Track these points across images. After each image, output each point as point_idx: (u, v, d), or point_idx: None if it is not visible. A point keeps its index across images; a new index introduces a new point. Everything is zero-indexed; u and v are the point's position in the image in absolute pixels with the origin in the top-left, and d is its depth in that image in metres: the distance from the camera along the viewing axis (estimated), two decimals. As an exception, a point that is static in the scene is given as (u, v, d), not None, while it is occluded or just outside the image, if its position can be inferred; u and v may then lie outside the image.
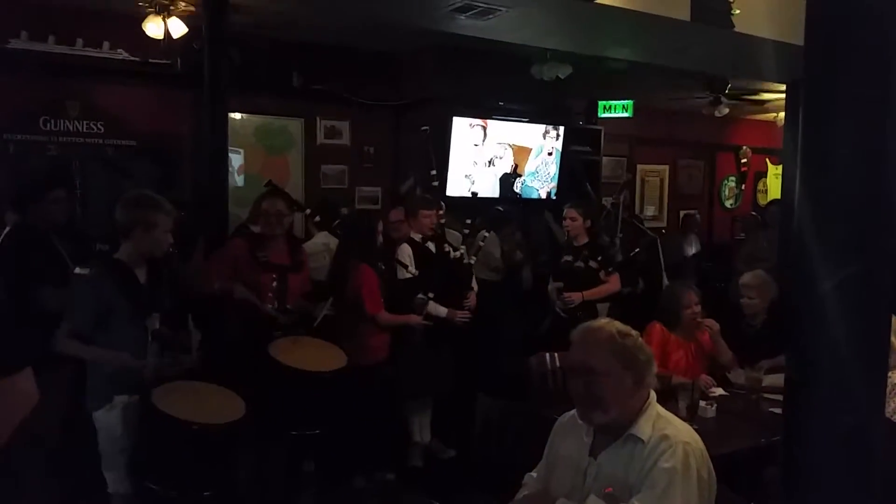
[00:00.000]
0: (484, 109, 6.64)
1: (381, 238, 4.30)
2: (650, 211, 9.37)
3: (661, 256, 6.05)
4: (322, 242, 4.91)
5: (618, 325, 2.10)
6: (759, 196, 10.47)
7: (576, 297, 4.79)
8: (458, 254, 4.64)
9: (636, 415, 2.02)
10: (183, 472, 2.75)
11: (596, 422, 2.06)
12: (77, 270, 2.95)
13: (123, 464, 2.87)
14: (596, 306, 4.94)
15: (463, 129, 6.44)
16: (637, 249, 5.65)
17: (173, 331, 3.11)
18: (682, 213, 9.35)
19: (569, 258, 4.94)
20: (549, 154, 7.05)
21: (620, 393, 2.00)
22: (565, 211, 5.02)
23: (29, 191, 3.75)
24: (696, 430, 2.14)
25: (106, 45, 5.35)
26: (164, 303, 3.06)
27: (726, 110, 8.10)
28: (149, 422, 2.76)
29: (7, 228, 3.68)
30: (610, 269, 4.92)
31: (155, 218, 2.96)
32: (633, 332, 2.10)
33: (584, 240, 4.96)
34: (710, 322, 3.95)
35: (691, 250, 7.62)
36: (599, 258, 4.90)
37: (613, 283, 4.94)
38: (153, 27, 5.05)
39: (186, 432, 2.71)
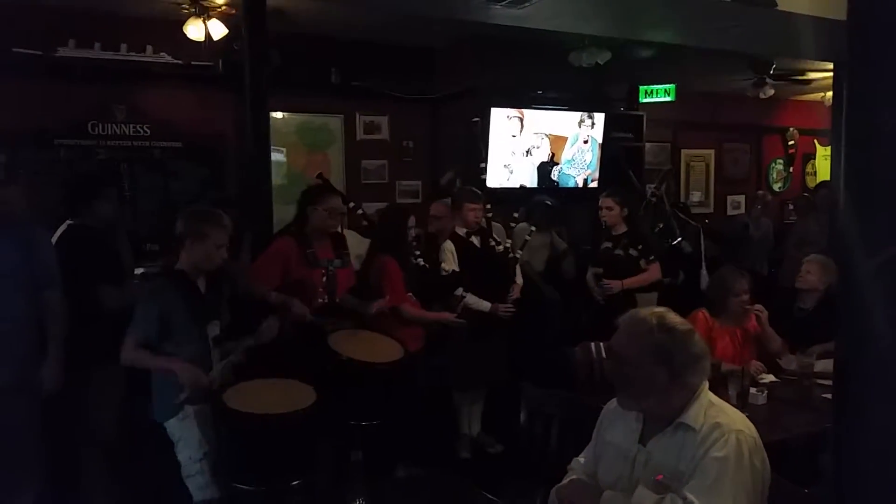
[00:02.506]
0: (522, 99, 6.61)
1: (412, 232, 4.30)
2: (696, 197, 9.20)
3: (702, 247, 5.93)
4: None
5: (664, 317, 2.03)
6: (808, 179, 10.20)
7: (615, 284, 4.73)
8: (501, 247, 4.64)
9: (686, 403, 1.99)
10: (267, 467, 2.74)
11: (628, 407, 2.06)
12: (139, 271, 3.02)
13: (207, 469, 2.89)
14: (635, 296, 4.87)
15: (501, 121, 6.43)
16: (679, 239, 5.56)
17: (234, 337, 3.15)
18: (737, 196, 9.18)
19: (608, 245, 4.88)
20: (585, 142, 7.01)
21: (652, 386, 1.97)
22: (601, 200, 4.96)
23: (80, 192, 3.84)
24: (747, 417, 2.10)
25: (149, 49, 5.47)
26: (224, 310, 3.12)
27: (771, 91, 7.92)
28: (225, 424, 2.76)
29: (62, 229, 3.78)
30: (651, 258, 4.86)
31: (206, 229, 2.99)
32: (680, 328, 2.01)
33: (623, 228, 4.90)
34: (759, 308, 3.87)
35: (758, 232, 7.41)
36: (640, 247, 4.84)
37: (654, 272, 4.87)
38: (194, 30, 5.15)
39: (264, 426, 2.71)
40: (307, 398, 2.84)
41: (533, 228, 5.15)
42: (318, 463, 2.99)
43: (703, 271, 5.74)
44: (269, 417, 2.71)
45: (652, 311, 2.09)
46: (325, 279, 3.75)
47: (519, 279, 4.78)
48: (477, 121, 5.10)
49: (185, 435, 2.91)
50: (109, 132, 5.55)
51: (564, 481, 2.21)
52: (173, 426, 2.94)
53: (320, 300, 3.71)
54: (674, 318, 2.05)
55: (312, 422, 2.81)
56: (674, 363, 1.97)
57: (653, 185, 6.54)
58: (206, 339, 2.99)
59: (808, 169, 10.28)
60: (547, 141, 6.79)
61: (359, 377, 3.32)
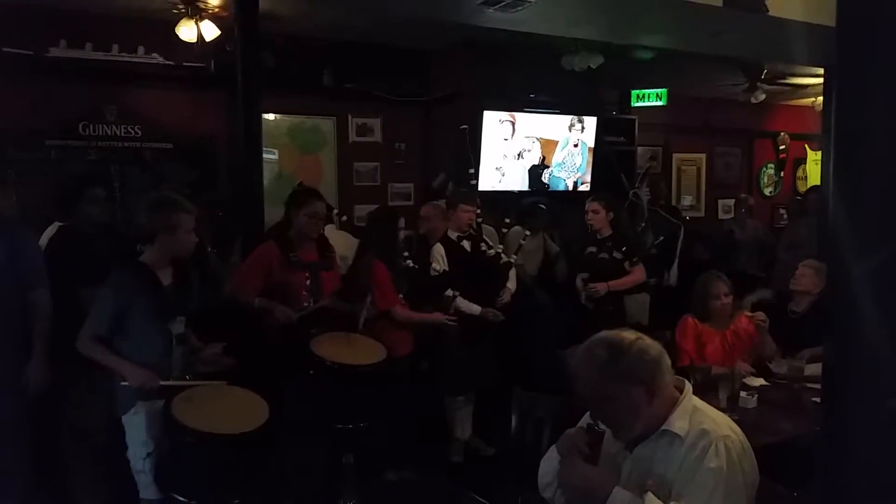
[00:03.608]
0: (515, 103, 6.61)
1: (402, 234, 4.29)
2: (687, 200, 9.23)
3: (678, 246, 5.96)
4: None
5: (606, 341, 1.97)
6: (799, 183, 10.25)
7: (601, 287, 4.77)
8: (492, 251, 4.64)
9: (669, 409, 1.97)
10: (208, 482, 2.67)
11: (626, 439, 2.02)
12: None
13: (150, 470, 2.84)
14: (623, 298, 4.90)
15: (493, 124, 6.44)
16: (661, 238, 5.58)
17: (201, 334, 3.09)
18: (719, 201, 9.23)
19: (593, 249, 4.91)
20: (575, 146, 7.06)
21: (636, 408, 1.94)
22: (587, 204, 4.99)
23: (69, 194, 3.82)
24: (735, 420, 2.10)
25: (141, 49, 5.45)
26: (189, 306, 3.01)
27: (763, 96, 7.97)
28: (171, 431, 2.70)
29: (51, 230, 3.76)
30: (635, 260, 4.90)
31: (176, 219, 2.92)
32: (626, 341, 1.96)
33: (609, 232, 4.93)
34: (759, 315, 3.87)
35: (736, 232, 7.45)
36: (624, 249, 4.88)
37: (638, 274, 4.93)
38: (186, 31, 5.13)
39: (206, 442, 2.64)
40: (259, 416, 2.73)
41: (527, 232, 5.16)
42: (269, 478, 2.98)
43: (674, 268, 5.78)
44: (211, 436, 2.61)
45: (590, 345, 2.01)
46: (308, 282, 3.74)
47: (511, 284, 4.78)
48: (465, 128, 5.12)
49: (133, 432, 2.87)
50: (100, 133, 5.52)
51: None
52: (125, 421, 2.90)
53: (304, 303, 3.69)
54: (614, 336, 2.00)
55: (260, 441, 2.72)
56: (644, 376, 1.94)
57: (637, 183, 6.55)
58: (167, 336, 2.89)
59: (799, 173, 10.33)
60: (538, 144, 6.81)
61: (342, 380, 3.32)
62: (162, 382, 2.79)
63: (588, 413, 2.17)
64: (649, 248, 5.63)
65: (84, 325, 2.85)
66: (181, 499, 2.65)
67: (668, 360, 2.01)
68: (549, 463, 2.17)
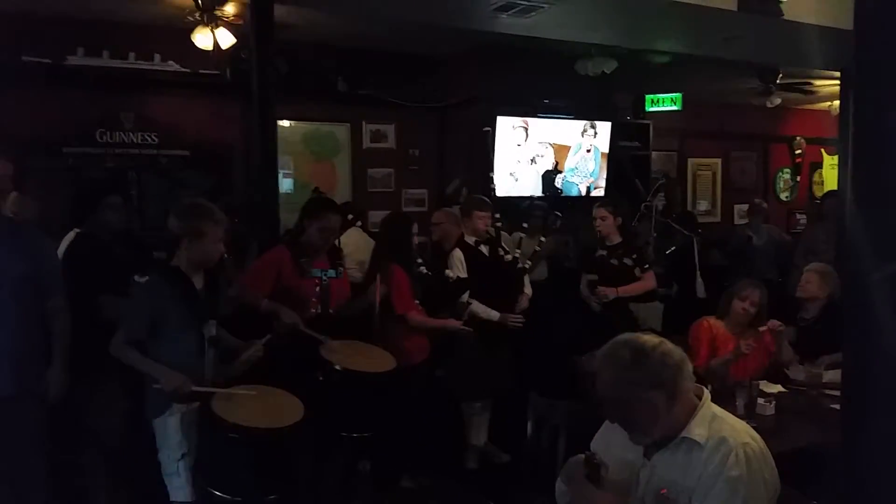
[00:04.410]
0: (528, 108, 6.62)
1: (416, 240, 4.29)
2: (703, 205, 9.20)
3: (696, 257, 5.92)
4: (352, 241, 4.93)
5: (631, 344, 1.96)
6: (816, 188, 10.19)
7: (610, 291, 4.73)
8: (510, 257, 4.63)
9: (688, 416, 1.96)
10: (246, 477, 2.74)
11: (642, 443, 2.00)
12: (136, 278, 2.98)
13: (184, 470, 2.87)
14: (629, 305, 4.87)
15: (507, 130, 6.45)
16: (673, 248, 5.54)
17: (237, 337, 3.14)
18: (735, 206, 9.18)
19: (603, 253, 4.89)
20: (588, 151, 7.07)
21: (655, 413, 1.92)
22: (595, 210, 4.96)
23: (87, 201, 3.85)
24: (753, 427, 2.08)
25: (157, 57, 5.51)
26: (220, 309, 3.07)
27: (778, 100, 7.92)
28: (210, 428, 2.76)
29: (70, 238, 3.79)
30: (646, 266, 4.88)
31: (203, 227, 2.94)
32: (649, 345, 1.95)
33: (617, 238, 4.90)
34: (774, 323, 3.82)
35: (755, 238, 7.39)
36: (634, 256, 4.86)
37: (648, 281, 4.89)
38: (202, 38, 5.17)
39: (248, 437, 2.71)
40: (295, 413, 2.82)
41: (542, 238, 5.14)
42: (301, 477, 2.99)
43: (699, 280, 5.73)
44: (253, 430, 2.70)
45: (615, 344, 2.00)
46: (318, 289, 3.74)
47: (528, 289, 4.77)
48: (489, 130, 5.13)
49: (167, 434, 2.90)
50: (118, 140, 5.58)
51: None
52: (158, 424, 2.92)
53: (313, 310, 3.69)
54: (637, 339, 1.99)
55: (297, 438, 2.80)
56: (666, 380, 1.92)
57: (649, 197, 6.52)
58: (201, 338, 2.93)
59: (816, 178, 10.26)
60: (551, 150, 6.82)
61: (348, 387, 3.31)
62: (194, 388, 2.83)
63: (605, 424, 2.17)
64: (657, 259, 5.58)
65: (119, 329, 2.90)
66: (221, 495, 2.71)
67: (689, 367, 2.00)
68: (563, 485, 2.17)
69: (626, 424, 1.99)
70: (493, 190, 5.88)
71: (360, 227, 5.00)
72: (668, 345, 1.99)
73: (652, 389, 1.91)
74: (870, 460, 1.32)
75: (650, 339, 1.99)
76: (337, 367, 3.30)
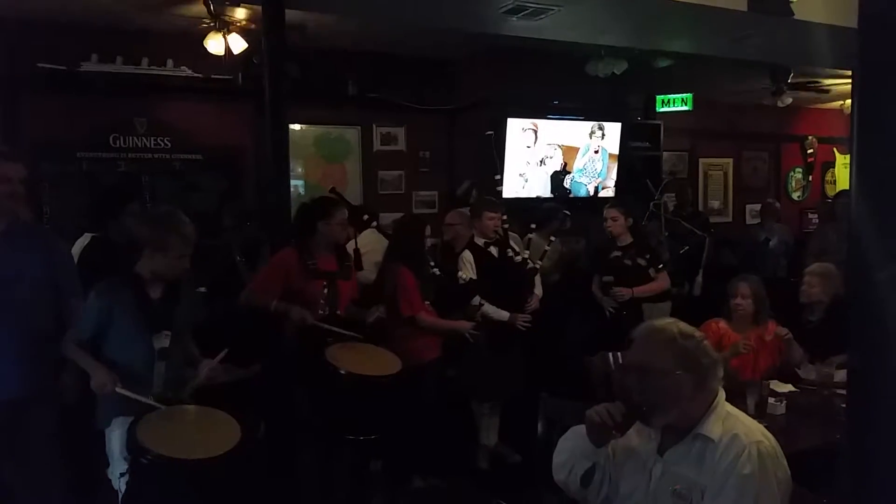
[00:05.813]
0: (538, 109, 6.63)
1: (428, 241, 4.29)
2: (715, 205, 9.17)
3: (703, 257, 5.92)
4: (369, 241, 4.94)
5: (682, 325, 2.04)
6: (828, 187, 10.12)
7: (626, 292, 4.74)
8: (520, 258, 4.64)
9: (704, 412, 1.98)
10: None
11: (654, 424, 2.02)
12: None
13: (123, 489, 2.62)
14: (642, 306, 4.87)
15: (516, 132, 6.47)
16: (686, 248, 5.54)
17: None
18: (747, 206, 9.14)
19: (618, 254, 4.89)
20: (596, 152, 7.10)
21: (678, 395, 1.95)
22: (605, 211, 4.96)
23: (101, 205, 3.89)
24: (765, 426, 2.09)
25: (170, 63, 5.56)
26: (178, 321, 2.89)
27: (789, 100, 7.88)
28: (133, 450, 2.47)
29: (85, 243, 3.83)
30: (660, 267, 4.89)
31: (168, 240, 2.79)
32: (698, 335, 2.04)
33: (628, 239, 4.90)
34: (781, 330, 3.82)
35: (772, 240, 7.36)
36: (648, 256, 4.86)
37: (663, 281, 4.91)
38: (214, 44, 5.22)
39: (174, 468, 2.42)
40: (229, 440, 2.50)
41: (553, 238, 5.15)
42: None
43: (698, 279, 5.74)
44: (178, 462, 2.40)
45: (666, 321, 2.10)
46: (326, 291, 3.76)
47: (538, 290, 4.77)
48: (490, 134, 5.15)
49: (111, 447, 2.77)
50: (131, 145, 5.64)
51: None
52: (107, 435, 2.81)
53: (321, 312, 3.68)
54: (687, 326, 2.06)
55: (229, 468, 2.47)
56: (699, 370, 1.97)
57: (656, 195, 6.51)
58: (150, 349, 2.80)
59: (828, 177, 10.20)
60: (560, 151, 6.85)
61: (353, 390, 3.29)
62: (119, 390, 2.65)
63: None
64: (670, 259, 5.58)
65: (72, 327, 2.87)
66: None
67: (722, 371, 2.05)
68: (566, 442, 2.18)
69: (647, 397, 1.97)
70: (500, 192, 5.89)
71: (376, 227, 5.01)
72: (708, 342, 2.06)
73: (686, 371, 1.95)
74: (874, 459, 1.33)
75: (696, 330, 2.06)
76: (342, 371, 3.28)
